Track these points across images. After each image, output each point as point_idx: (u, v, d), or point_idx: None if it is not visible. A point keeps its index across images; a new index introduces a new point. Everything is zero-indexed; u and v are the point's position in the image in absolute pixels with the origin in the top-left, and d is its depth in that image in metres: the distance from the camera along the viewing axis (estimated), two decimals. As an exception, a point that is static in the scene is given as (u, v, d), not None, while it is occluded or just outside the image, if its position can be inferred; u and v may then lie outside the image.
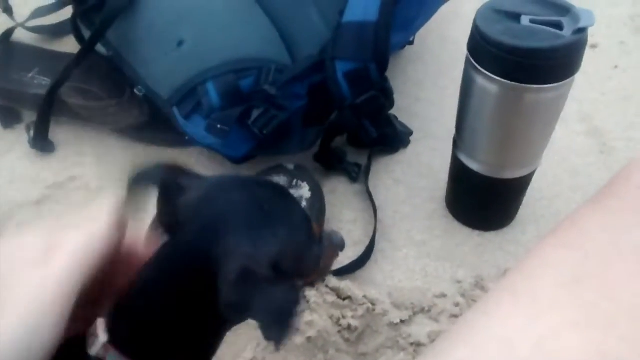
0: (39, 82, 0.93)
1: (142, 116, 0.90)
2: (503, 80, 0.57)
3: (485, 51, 0.58)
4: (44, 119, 0.91)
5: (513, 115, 0.61)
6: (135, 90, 0.82)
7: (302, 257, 0.41)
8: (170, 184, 0.40)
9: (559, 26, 0.55)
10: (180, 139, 0.82)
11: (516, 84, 0.57)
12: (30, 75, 0.95)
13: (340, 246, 0.49)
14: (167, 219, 0.40)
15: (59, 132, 0.95)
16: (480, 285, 0.72)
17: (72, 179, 0.90)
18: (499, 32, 0.56)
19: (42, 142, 0.92)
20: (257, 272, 0.34)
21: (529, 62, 0.55)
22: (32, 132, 0.92)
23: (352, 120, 0.80)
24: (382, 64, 0.77)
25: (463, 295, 0.71)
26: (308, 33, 0.79)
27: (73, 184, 0.89)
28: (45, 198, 0.87)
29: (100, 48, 0.86)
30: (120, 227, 0.37)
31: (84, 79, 0.89)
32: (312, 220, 0.42)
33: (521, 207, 0.78)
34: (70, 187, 0.89)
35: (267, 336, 0.33)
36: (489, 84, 0.59)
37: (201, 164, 0.89)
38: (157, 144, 0.93)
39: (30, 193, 0.88)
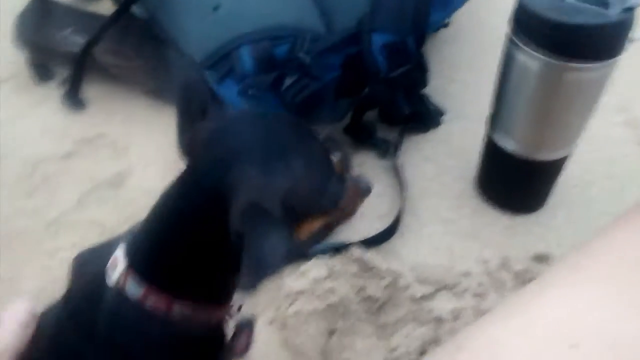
0: (73, 41, 0.94)
1: (173, 78, 0.90)
2: (545, 56, 0.56)
3: (528, 27, 0.57)
4: (77, 77, 0.92)
5: (552, 94, 0.60)
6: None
7: (318, 191, 0.40)
8: (192, 103, 0.41)
9: (605, 4, 0.53)
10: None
11: (558, 61, 0.56)
12: (65, 33, 0.95)
13: (366, 190, 0.49)
14: (186, 142, 0.40)
15: (90, 90, 0.95)
16: (506, 266, 0.70)
17: (101, 135, 0.90)
18: (543, 7, 0.54)
19: (73, 99, 0.93)
20: (264, 208, 0.34)
21: (572, 38, 0.54)
22: (64, 89, 0.93)
23: (385, 94, 0.79)
24: (421, 38, 0.76)
25: (488, 275, 0.70)
26: (345, 4, 0.78)
27: (101, 141, 0.90)
28: (73, 153, 0.88)
29: (135, 10, 0.86)
30: (29, 326, 0.37)
31: (117, 39, 0.89)
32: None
33: (553, 192, 0.77)
34: (98, 143, 0.89)
35: (243, 282, 0.33)
36: (530, 61, 0.58)
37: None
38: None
39: (59, 147, 0.88)
